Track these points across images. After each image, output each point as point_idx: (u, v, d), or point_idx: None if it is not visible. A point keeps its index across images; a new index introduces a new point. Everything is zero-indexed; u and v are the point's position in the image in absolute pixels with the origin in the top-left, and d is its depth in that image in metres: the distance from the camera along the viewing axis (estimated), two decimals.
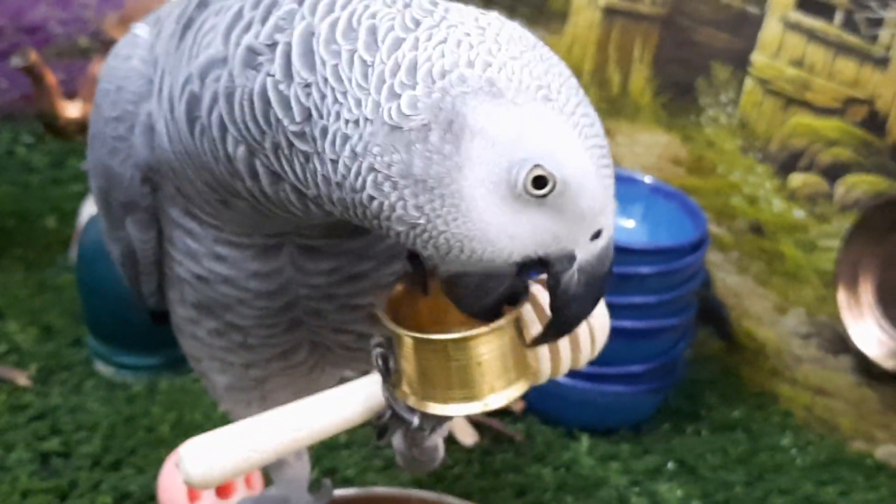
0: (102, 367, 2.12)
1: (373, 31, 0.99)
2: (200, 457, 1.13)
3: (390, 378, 1.16)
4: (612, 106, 2.48)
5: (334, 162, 1.00)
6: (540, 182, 0.99)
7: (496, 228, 1.01)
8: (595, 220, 1.05)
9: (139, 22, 1.21)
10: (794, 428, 2.22)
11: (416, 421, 1.17)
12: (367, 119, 0.98)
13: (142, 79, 1.15)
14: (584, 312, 1.12)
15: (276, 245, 1.22)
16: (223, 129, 1.05)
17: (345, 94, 0.99)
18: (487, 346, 1.11)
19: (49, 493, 1.79)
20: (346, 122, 0.99)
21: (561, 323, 1.11)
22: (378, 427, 1.22)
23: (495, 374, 1.12)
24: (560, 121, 1.00)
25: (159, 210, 1.22)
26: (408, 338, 1.12)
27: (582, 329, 1.19)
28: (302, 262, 1.24)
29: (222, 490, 1.68)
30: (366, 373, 1.25)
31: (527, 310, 1.16)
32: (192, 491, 1.66)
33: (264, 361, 1.36)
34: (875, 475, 2.10)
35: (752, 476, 2.06)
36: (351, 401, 1.20)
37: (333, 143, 0.99)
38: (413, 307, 1.18)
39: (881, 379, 2.12)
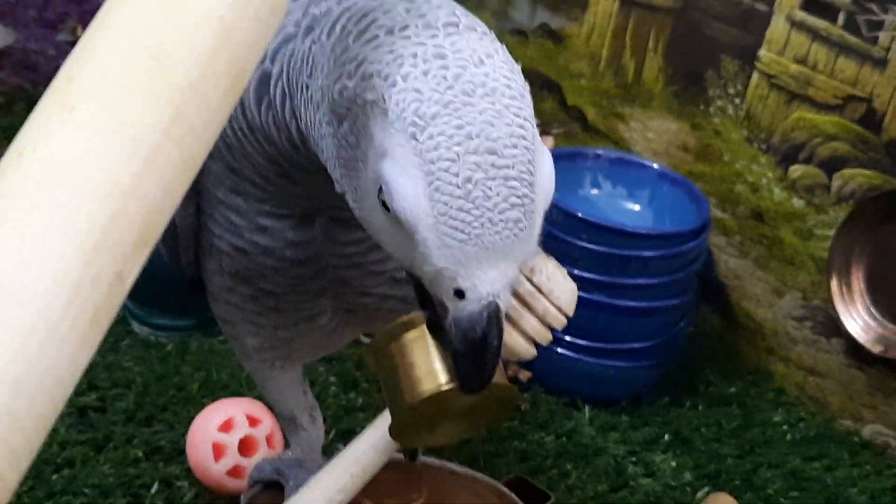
0: (138, 328, 2.23)
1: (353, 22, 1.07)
2: None
3: None
4: (626, 92, 2.58)
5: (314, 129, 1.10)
6: (384, 205, 1.00)
7: (382, 230, 1.04)
8: (446, 277, 1.00)
9: None
10: (786, 405, 2.32)
11: None
12: (322, 93, 1.07)
13: None
14: (473, 369, 1.06)
15: (311, 216, 1.31)
16: (284, 97, 1.13)
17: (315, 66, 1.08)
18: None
19: (85, 445, 1.88)
20: (312, 96, 1.09)
21: (460, 374, 1.08)
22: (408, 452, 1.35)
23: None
24: (412, 159, 0.96)
25: (200, 189, 1.32)
26: None
27: (550, 314, 1.23)
28: (334, 232, 1.32)
29: (245, 449, 1.78)
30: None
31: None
32: (217, 447, 1.77)
33: (292, 324, 1.45)
34: (860, 452, 2.20)
35: (743, 450, 2.15)
36: (378, 446, 1.32)
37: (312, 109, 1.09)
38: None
39: (869, 362, 2.21)
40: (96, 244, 0.70)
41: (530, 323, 1.23)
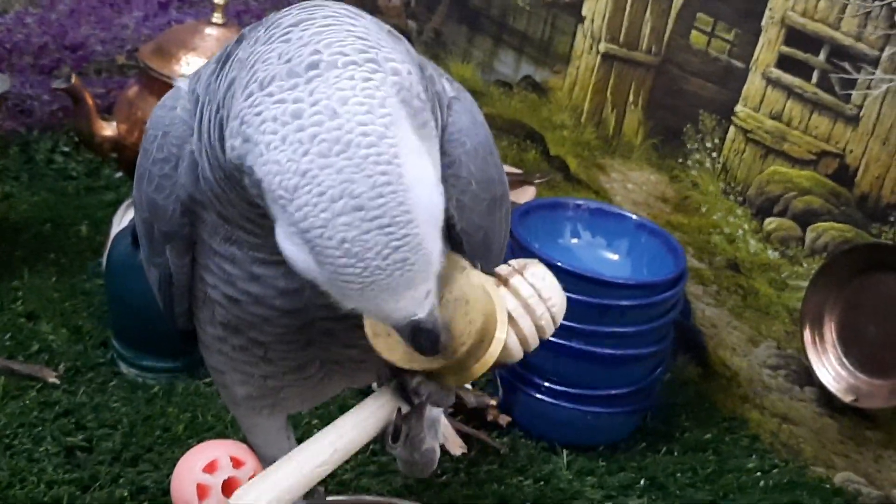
0: (125, 369, 2.26)
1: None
2: None
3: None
4: (607, 144, 2.64)
5: None
6: None
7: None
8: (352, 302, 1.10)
9: (179, 79, 1.35)
10: (760, 452, 2.36)
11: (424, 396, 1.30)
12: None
13: (184, 125, 1.27)
14: (421, 349, 1.17)
15: None
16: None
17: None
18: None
19: (72, 485, 1.90)
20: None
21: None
22: (393, 431, 1.37)
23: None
24: (289, 228, 1.05)
25: (196, 241, 1.35)
26: None
27: (545, 319, 1.28)
28: None
29: (229, 490, 1.79)
30: (368, 387, 1.45)
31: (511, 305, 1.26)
32: (201, 488, 1.79)
33: (280, 374, 1.49)
34: (832, 499, 2.23)
35: (717, 496, 2.19)
36: (362, 424, 1.35)
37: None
38: None
39: (841, 411, 2.26)
40: None
41: (527, 325, 1.27)
